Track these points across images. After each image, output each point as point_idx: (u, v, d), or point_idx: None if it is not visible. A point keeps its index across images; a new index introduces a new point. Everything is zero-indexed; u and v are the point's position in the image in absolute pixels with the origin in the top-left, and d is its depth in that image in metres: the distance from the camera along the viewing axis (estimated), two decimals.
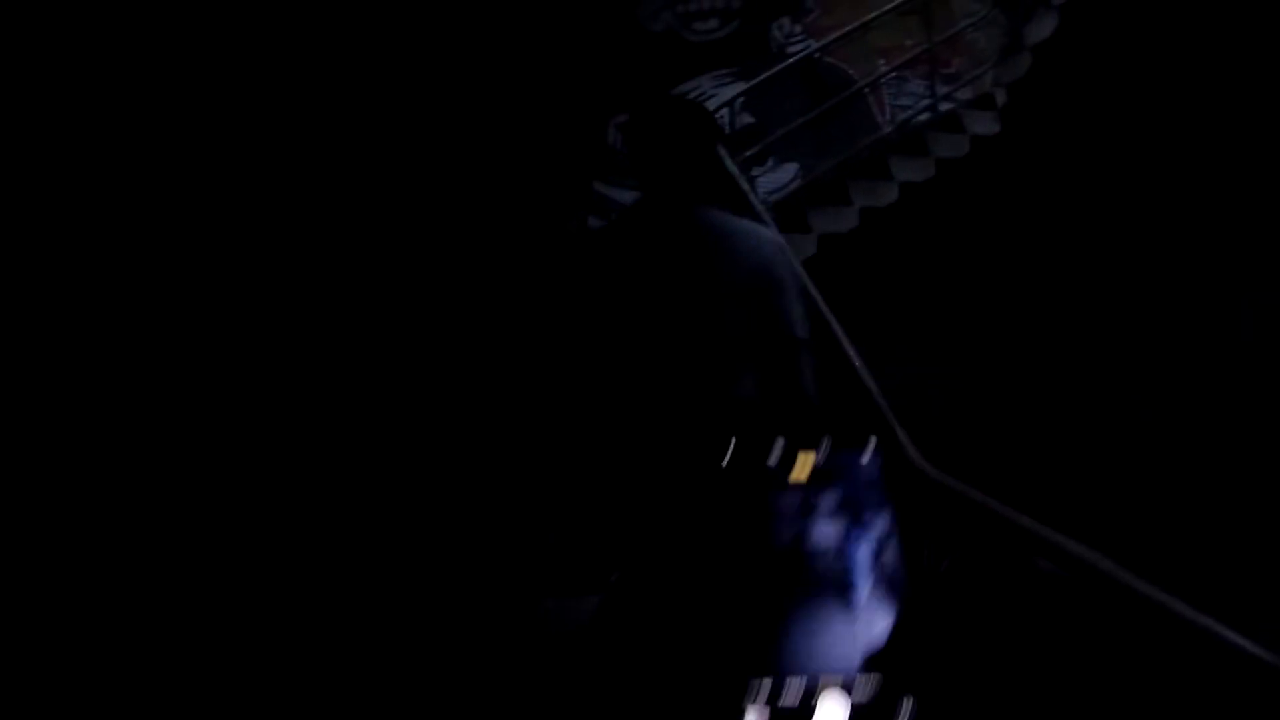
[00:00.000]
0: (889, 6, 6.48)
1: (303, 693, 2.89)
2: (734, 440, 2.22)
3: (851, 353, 2.92)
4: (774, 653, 2.16)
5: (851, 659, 2.19)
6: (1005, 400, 5.63)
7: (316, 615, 3.34)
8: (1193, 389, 5.57)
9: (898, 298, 5.60)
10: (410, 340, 5.56)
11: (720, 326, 2.29)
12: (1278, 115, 5.78)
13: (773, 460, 2.23)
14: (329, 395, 5.27)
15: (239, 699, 2.86)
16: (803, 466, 2.25)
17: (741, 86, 6.61)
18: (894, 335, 4.85)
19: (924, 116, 6.55)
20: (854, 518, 2.29)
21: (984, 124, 6.17)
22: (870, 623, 2.25)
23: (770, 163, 6.96)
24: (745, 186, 4.36)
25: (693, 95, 6.94)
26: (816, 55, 6.96)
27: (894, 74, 6.94)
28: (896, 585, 2.31)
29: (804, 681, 2.11)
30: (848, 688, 2.13)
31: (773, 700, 2.09)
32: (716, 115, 5.81)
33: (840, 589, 2.25)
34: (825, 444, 2.27)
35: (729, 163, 4.44)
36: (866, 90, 6.97)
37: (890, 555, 2.31)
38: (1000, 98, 6.25)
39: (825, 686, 2.12)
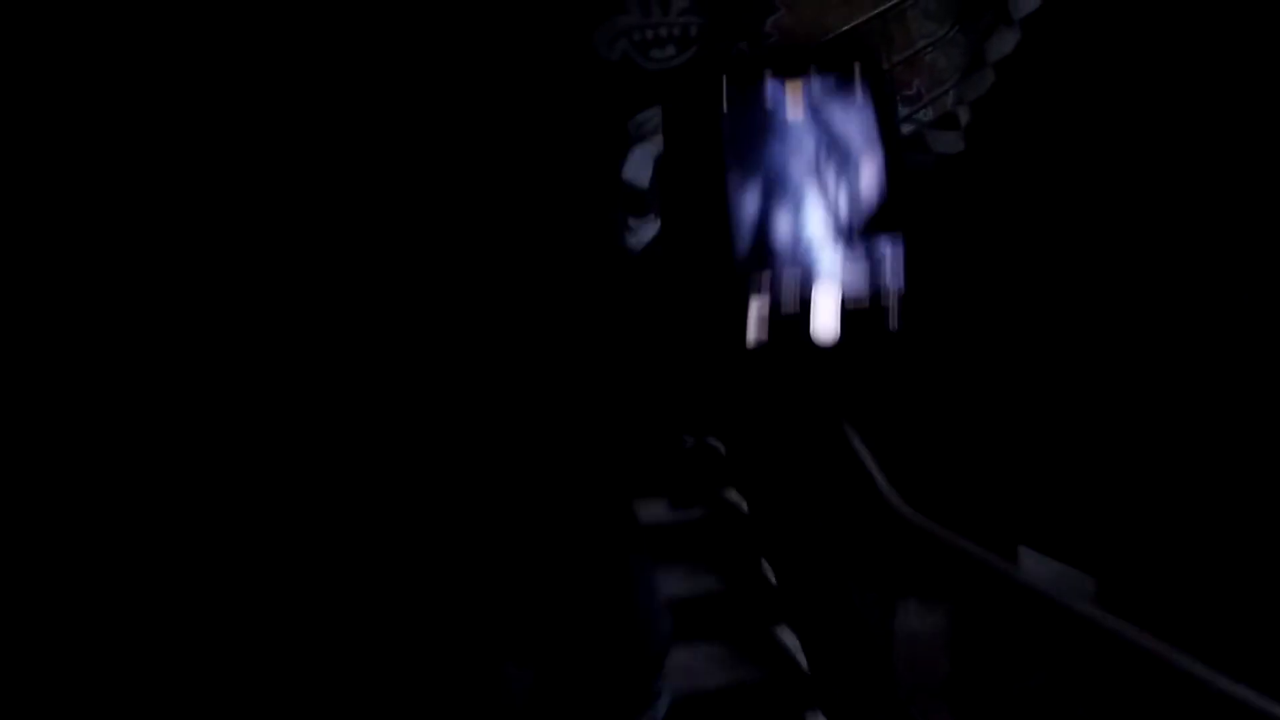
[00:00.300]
0: (845, 30, 6.38)
1: (302, 693, 2.85)
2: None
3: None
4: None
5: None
6: (975, 425, 5.48)
7: (316, 615, 3.22)
8: (1157, 414, 5.43)
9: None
10: (410, 340, 5.48)
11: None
12: (1246, 126, 5.69)
13: None
14: (334, 396, 5.15)
15: (238, 699, 2.82)
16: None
17: None
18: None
19: None
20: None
21: (948, 143, 6.07)
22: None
23: None
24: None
25: (650, 125, 6.79)
26: None
27: None
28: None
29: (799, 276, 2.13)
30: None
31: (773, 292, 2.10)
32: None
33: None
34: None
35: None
36: None
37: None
38: (964, 116, 6.16)
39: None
